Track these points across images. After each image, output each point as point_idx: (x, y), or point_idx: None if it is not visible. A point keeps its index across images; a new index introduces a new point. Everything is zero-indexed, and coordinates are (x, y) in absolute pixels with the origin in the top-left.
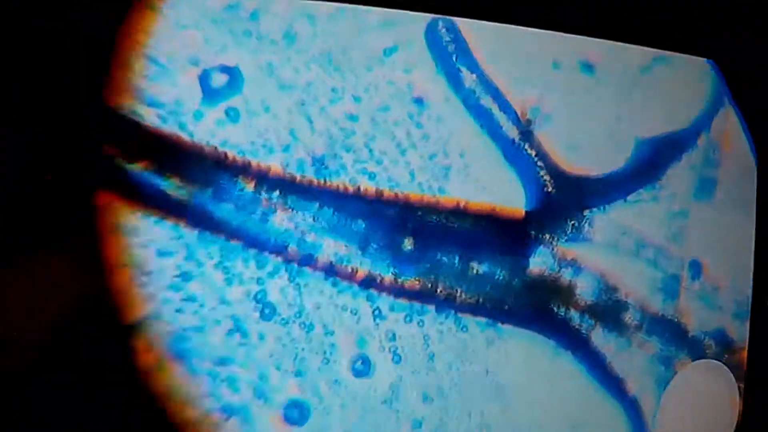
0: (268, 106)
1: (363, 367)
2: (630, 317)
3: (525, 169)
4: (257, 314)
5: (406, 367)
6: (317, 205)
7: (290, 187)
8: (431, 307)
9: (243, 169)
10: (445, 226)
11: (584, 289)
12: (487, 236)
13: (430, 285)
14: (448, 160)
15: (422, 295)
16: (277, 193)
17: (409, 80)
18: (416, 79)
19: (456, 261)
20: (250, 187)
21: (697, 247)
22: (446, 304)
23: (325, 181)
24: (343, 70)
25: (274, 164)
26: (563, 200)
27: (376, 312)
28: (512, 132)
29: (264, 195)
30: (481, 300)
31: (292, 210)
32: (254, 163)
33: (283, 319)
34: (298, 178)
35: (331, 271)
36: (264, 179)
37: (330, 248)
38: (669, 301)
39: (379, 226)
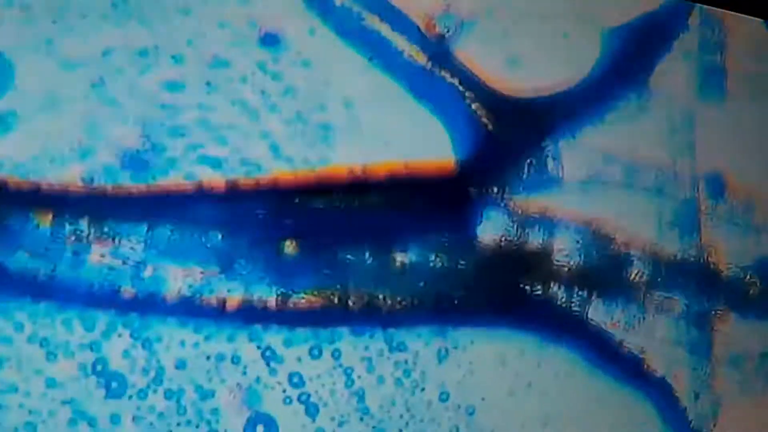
0: (53, 97)
1: (265, 431)
2: (637, 273)
3: (447, 105)
4: (102, 391)
5: (327, 418)
6: (146, 223)
7: (101, 206)
8: (344, 329)
9: (31, 196)
10: (342, 209)
11: (565, 250)
12: (407, 209)
13: (336, 298)
14: (328, 116)
15: (328, 315)
16: (85, 220)
17: (250, 14)
18: (260, 10)
19: (367, 255)
20: (46, 221)
21: (713, 155)
22: (366, 319)
23: (148, 186)
24: (149, 22)
25: (72, 179)
26: (509, 135)
27: (267, 353)
28: (418, 57)
29: (69, 227)
30: (416, 302)
31: (113, 238)
32: (45, 184)
33: (139, 390)
34: (110, 190)
35: (187, 310)
36: (63, 204)
37: (178, 279)
38: (687, 238)
39: (242, 230)
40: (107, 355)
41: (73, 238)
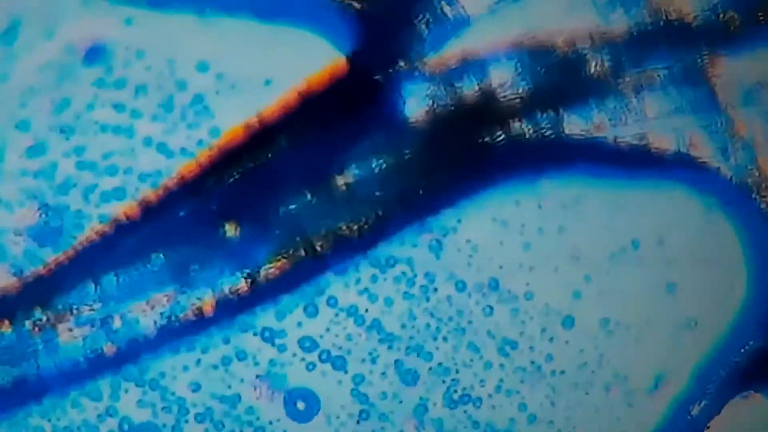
0: None
1: (307, 404)
2: (596, 65)
3: (303, 10)
4: None
5: (358, 362)
6: (90, 281)
7: (43, 289)
8: (328, 275)
9: None
10: (261, 167)
11: (507, 82)
12: (323, 132)
13: (303, 251)
14: (193, 89)
15: (303, 270)
16: (38, 310)
17: (62, 42)
18: (69, 32)
19: (308, 195)
20: (6, 327)
21: None
22: (343, 254)
23: (73, 248)
24: None
25: (8, 279)
26: (385, 5)
27: (266, 334)
28: None
29: (27, 324)
30: (381, 212)
31: (70, 311)
32: None
33: (172, 428)
34: (42, 270)
35: (172, 335)
36: (11, 305)
37: (147, 313)
38: (635, 7)
39: (177, 239)
40: (127, 413)
41: (36, 329)
